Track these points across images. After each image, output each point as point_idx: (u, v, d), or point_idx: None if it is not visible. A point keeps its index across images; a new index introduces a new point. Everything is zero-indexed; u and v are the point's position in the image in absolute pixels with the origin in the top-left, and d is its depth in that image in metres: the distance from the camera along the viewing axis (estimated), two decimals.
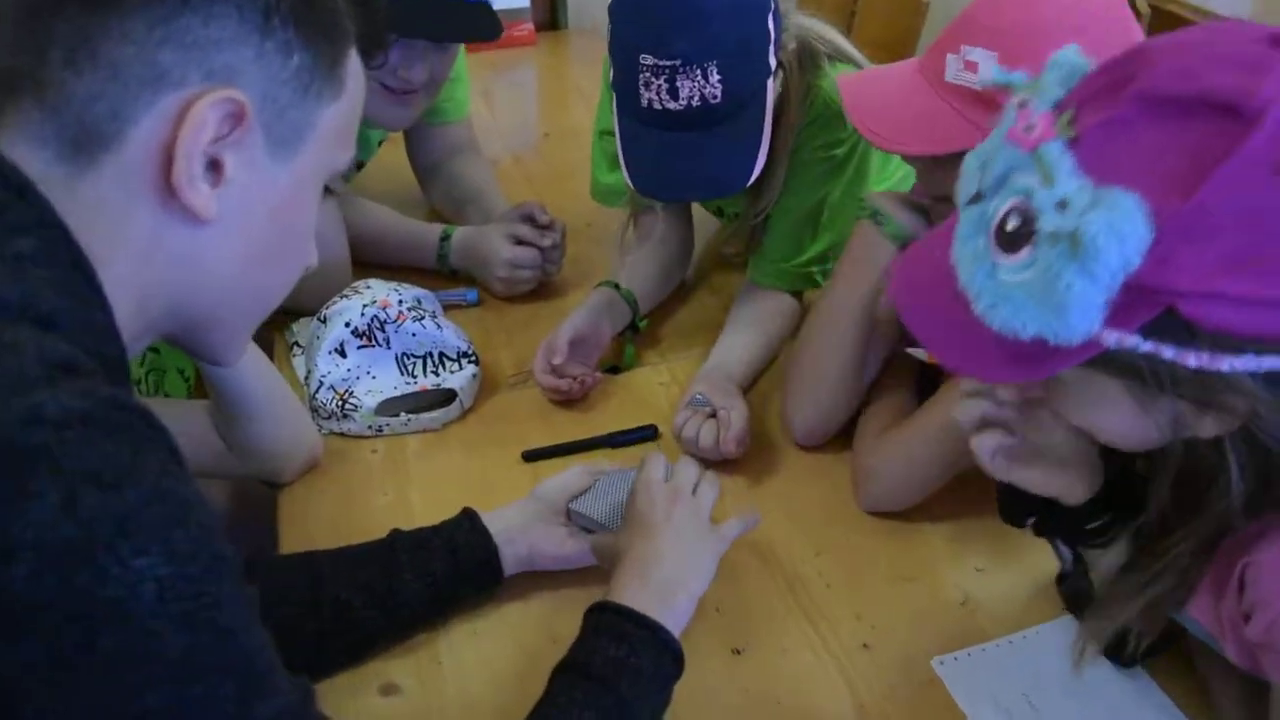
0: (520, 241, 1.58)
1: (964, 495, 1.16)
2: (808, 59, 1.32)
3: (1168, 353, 0.62)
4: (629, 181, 1.26)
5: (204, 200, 0.64)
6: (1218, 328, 0.61)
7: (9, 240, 0.58)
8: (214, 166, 0.64)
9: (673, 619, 0.91)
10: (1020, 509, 0.95)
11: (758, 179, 1.30)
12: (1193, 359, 0.62)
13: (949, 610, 1.08)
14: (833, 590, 1.10)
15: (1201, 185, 0.58)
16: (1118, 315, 0.61)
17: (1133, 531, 0.86)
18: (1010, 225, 0.64)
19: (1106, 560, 0.90)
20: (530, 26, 2.79)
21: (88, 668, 0.49)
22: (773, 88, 1.23)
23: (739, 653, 1.04)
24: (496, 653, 1.04)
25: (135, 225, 0.64)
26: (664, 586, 0.93)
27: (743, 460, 1.26)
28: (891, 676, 1.01)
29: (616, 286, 1.47)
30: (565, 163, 1.97)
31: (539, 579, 1.11)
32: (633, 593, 0.92)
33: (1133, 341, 0.62)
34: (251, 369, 1.15)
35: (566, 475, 1.14)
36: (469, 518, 1.08)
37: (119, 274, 0.63)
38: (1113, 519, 0.88)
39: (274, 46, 0.65)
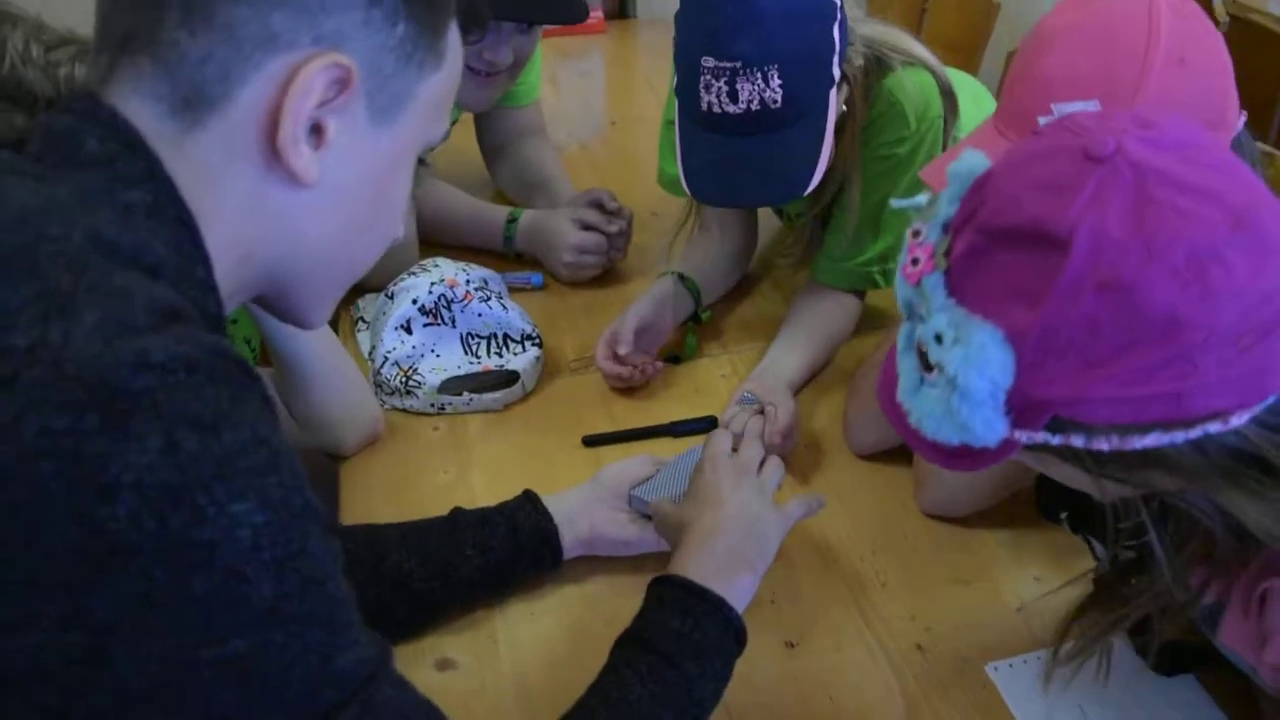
0: (587, 227, 1.59)
1: (1023, 502, 1.15)
2: (874, 67, 1.31)
3: (1078, 442, 0.65)
4: (685, 187, 1.27)
5: (306, 163, 0.65)
6: (1105, 421, 0.64)
7: (120, 191, 0.60)
8: (317, 130, 0.65)
9: (736, 594, 0.92)
10: (1055, 503, 0.96)
11: (817, 190, 1.31)
12: (1103, 444, 0.65)
13: (1004, 616, 1.07)
14: (888, 590, 1.10)
15: (1041, 308, 0.62)
16: (1020, 418, 0.65)
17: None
18: (920, 347, 0.69)
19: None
20: (600, 14, 2.80)
21: (178, 609, 0.51)
22: (836, 99, 1.23)
23: (792, 646, 1.04)
24: (552, 633, 1.06)
25: (238, 185, 0.65)
26: (728, 560, 0.94)
27: (797, 457, 1.27)
28: (944, 678, 1.01)
29: (681, 276, 1.48)
30: (631, 152, 1.98)
31: (596, 563, 1.12)
32: (697, 565, 0.93)
33: (1042, 437, 0.66)
34: (315, 338, 1.17)
35: (630, 462, 1.15)
36: (530, 499, 1.10)
37: (220, 232, 0.65)
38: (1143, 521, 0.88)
39: (380, 15, 0.65)
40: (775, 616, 1.07)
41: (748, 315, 1.58)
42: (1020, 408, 0.65)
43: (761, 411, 1.26)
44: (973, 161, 0.71)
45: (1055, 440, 0.65)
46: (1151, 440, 0.64)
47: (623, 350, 1.35)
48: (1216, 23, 2.70)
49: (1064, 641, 0.85)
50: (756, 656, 1.02)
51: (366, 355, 1.41)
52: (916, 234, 0.71)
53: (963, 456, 0.69)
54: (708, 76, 1.17)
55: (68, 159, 0.61)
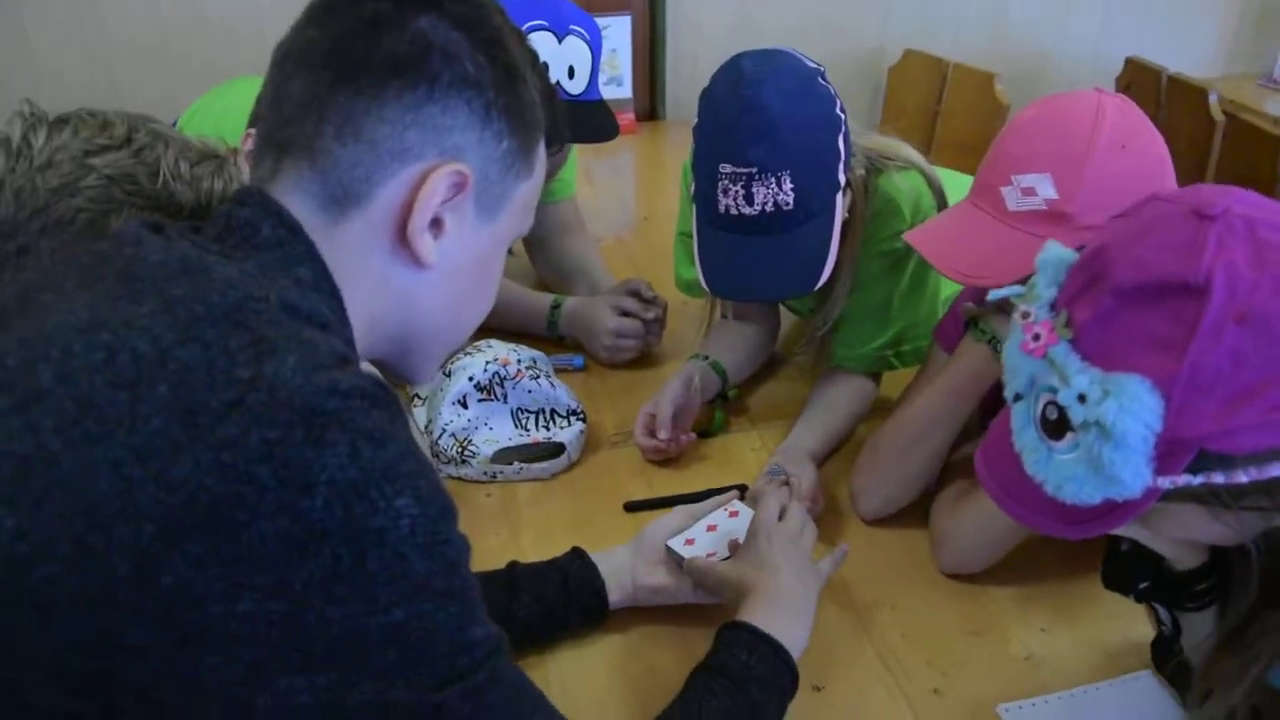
0: (625, 313, 1.72)
1: (1031, 561, 1.27)
2: (872, 172, 1.45)
3: (1219, 479, 0.73)
4: (704, 284, 1.39)
5: (427, 250, 0.80)
6: (1250, 450, 0.72)
7: (292, 267, 0.76)
8: (436, 223, 0.80)
9: (792, 644, 1.05)
10: (1133, 575, 1.01)
11: (827, 283, 1.42)
12: (1243, 476, 0.73)
13: (1014, 664, 1.17)
14: (906, 639, 1.20)
15: (1188, 349, 0.70)
16: (1163, 464, 0.72)
17: (1222, 602, 0.94)
18: (1050, 416, 0.77)
19: (1203, 625, 0.98)
20: (632, 116, 2.96)
21: (357, 582, 0.63)
22: (842, 203, 1.36)
23: (819, 690, 1.14)
24: (599, 677, 1.16)
25: (371, 266, 0.80)
26: (788, 616, 1.08)
27: (823, 523, 1.35)
28: (959, 718, 1.10)
29: (708, 359, 1.61)
30: (663, 244, 2.10)
31: (639, 615, 1.22)
32: (762, 617, 1.06)
33: (1184, 480, 0.73)
34: None
35: (667, 518, 1.26)
36: (579, 555, 1.21)
37: (355, 304, 0.79)
38: (1214, 583, 0.96)
39: (491, 134, 0.81)
40: (804, 662, 1.15)
41: (774, 395, 1.70)
42: (1165, 453, 0.71)
43: (787, 482, 1.37)
44: (1059, 252, 0.82)
45: (1197, 481, 0.72)
46: None
47: (663, 435, 1.47)
48: (1212, 121, 2.86)
49: (1203, 688, 0.92)
50: None
51: (423, 429, 1.53)
52: (1026, 316, 0.80)
53: (1099, 517, 0.76)
54: (725, 181, 1.31)
55: (247, 241, 0.76)
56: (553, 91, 0.89)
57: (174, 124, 1.86)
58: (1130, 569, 1.00)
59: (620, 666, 1.17)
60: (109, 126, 1.12)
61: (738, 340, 1.70)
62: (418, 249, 0.79)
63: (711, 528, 1.25)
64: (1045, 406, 0.77)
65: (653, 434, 1.48)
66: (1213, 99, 2.90)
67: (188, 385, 0.64)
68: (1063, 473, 0.75)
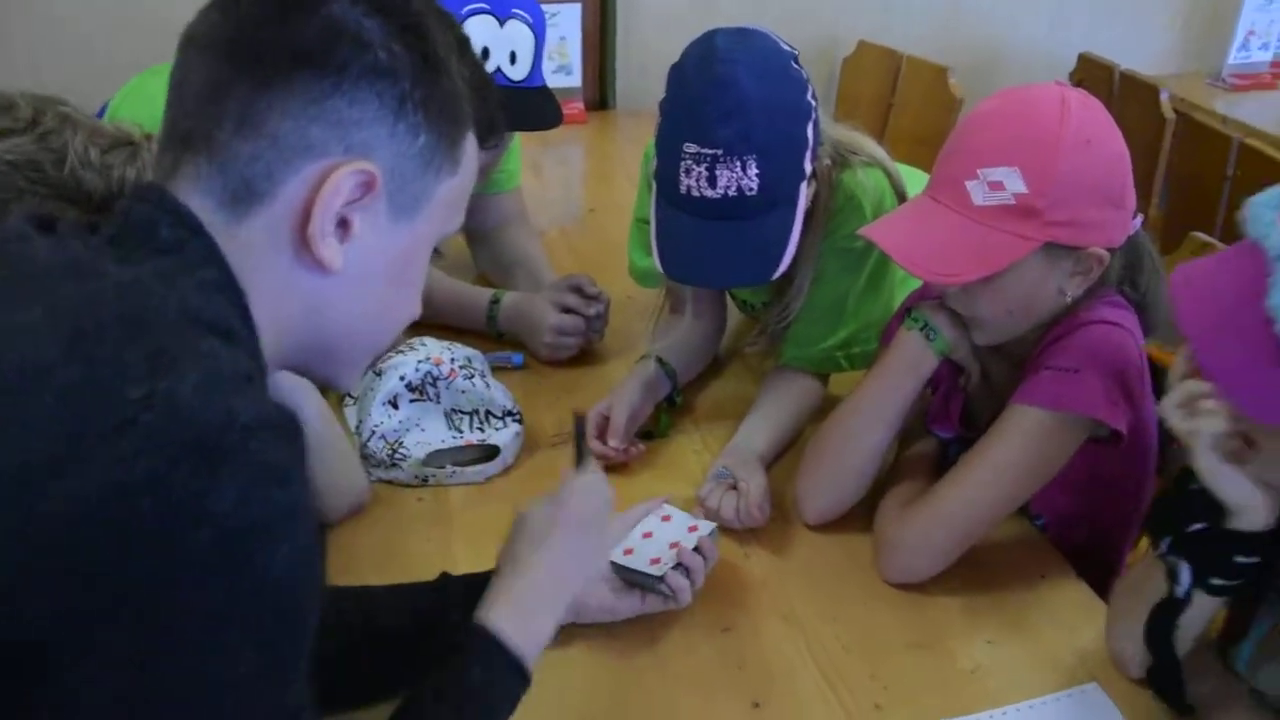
0: (566, 310, 1.67)
1: (977, 571, 1.23)
2: (837, 165, 1.41)
3: None
4: (659, 266, 1.34)
5: (332, 253, 0.74)
6: None
7: (193, 270, 0.70)
8: (343, 224, 0.75)
9: (541, 640, 0.98)
10: (1188, 513, 0.98)
11: (784, 277, 1.38)
12: None
13: (959, 677, 1.13)
14: (850, 653, 1.16)
15: None
16: None
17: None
18: None
19: (1208, 610, 0.98)
20: (581, 105, 2.91)
21: (227, 616, 0.60)
22: (806, 193, 1.31)
23: (758, 706, 1.10)
24: (532, 694, 1.10)
25: (276, 269, 0.75)
26: (546, 609, 1.00)
27: (765, 530, 1.33)
28: None
29: (660, 360, 1.56)
30: (609, 238, 2.07)
31: (575, 629, 1.17)
32: (511, 613, 0.97)
33: None
34: (311, 411, 1.23)
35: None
36: None
37: (261, 309, 0.74)
38: (1261, 564, 0.95)
39: (405, 128, 0.75)
40: (742, 678, 1.13)
41: (718, 395, 1.65)
42: None
43: (735, 486, 1.33)
44: None
45: None
46: None
47: (613, 443, 1.42)
48: (1163, 119, 2.85)
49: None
50: (723, 715, 1.08)
51: (354, 429, 1.47)
52: None
53: None
54: (689, 161, 1.26)
55: (144, 243, 0.71)
56: (487, 81, 0.84)
57: (104, 107, 1.80)
58: (1189, 507, 0.97)
59: (558, 684, 1.11)
60: (12, 108, 1.05)
61: (688, 338, 1.65)
62: (320, 253, 0.74)
63: (648, 535, 1.21)
64: None
65: (604, 439, 1.43)
66: (1164, 96, 2.90)
67: (72, 405, 0.59)
68: None
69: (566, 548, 1.04)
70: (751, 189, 1.26)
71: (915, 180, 1.50)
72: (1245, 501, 0.94)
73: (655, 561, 1.17)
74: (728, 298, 1.73)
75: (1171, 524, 1.00)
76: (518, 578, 1.01)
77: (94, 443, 0.58)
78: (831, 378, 1.57)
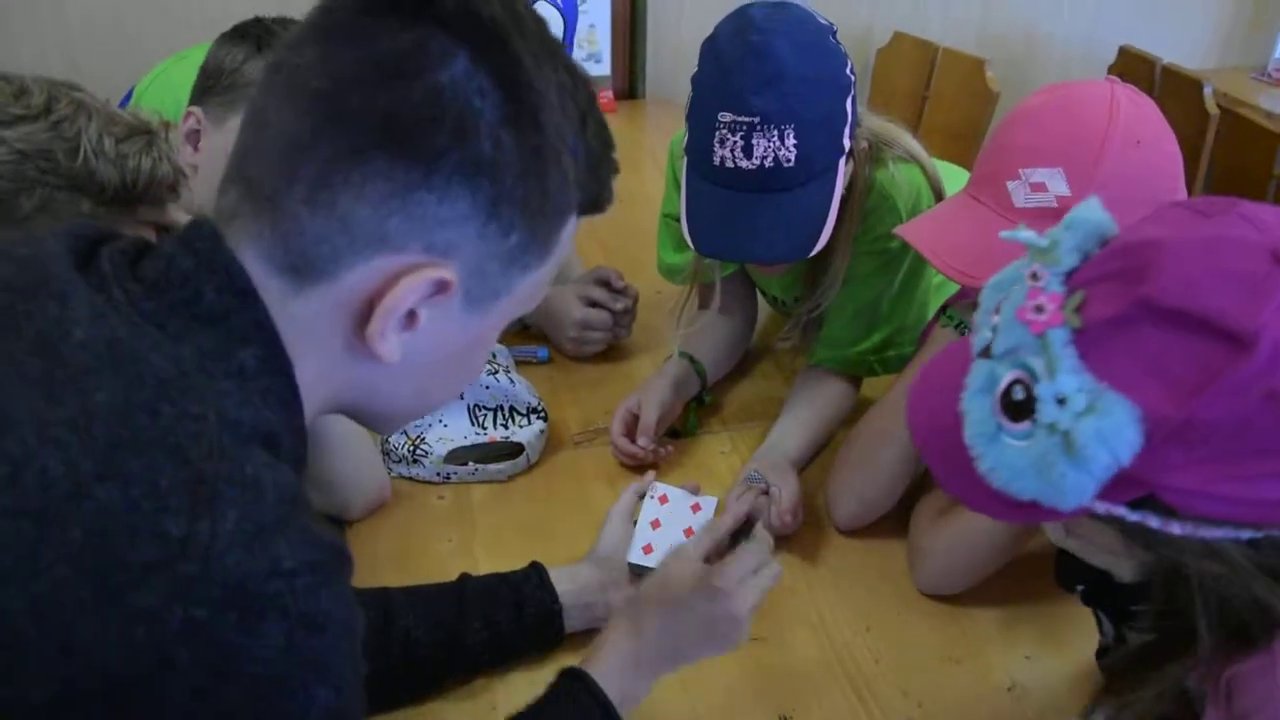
0: (593, 304, 1.63)
1: (1015, 580, 1.19)
2: (875, 159, 1.36)
3: (1153, 523, 0.66)
4: (689, 240, 1.28)
5: (390, 348, 0.68)
6: (1198, 514, 0.65)
7: (233, 351, 0.64)
8: (410, 316, 0.68)
9: (635, 698, 0.95)
10: (1073, 575, 0.96)
11: (818, 269, 1.35)
12: (1176, 528, 0.66)
13: (996, 695, 1.09)
14: (881, 665, 1.12)
15: (1196, 400, 0.61)
16: (1108, 492, 0.65)
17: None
18: (1016, 396, 0.68)
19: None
20: (610, 94, 2.88)
21: None
22: (844, 171, 1.27)
23: (786, 719, 1.06)
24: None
25: (327, 349, 0.69)
26: (648, 670, 0.96)
27: (795, 536, 1.29)
28: None
29: (690, 359, 1.52)
30: (639, 230, 2.02)
31: (593, 632, 1.13)
32: (612, 665, 0.94)
33: (1120, 512, 0.66)
34: None
35: (610, 529, 1.17)
36: (538, 572, 1.12)
37: (307, 379, 0.68)
38: (1158, 609, 0.88)
39: (496, 229, 0.67)
40: (770, 690, 1.09)
41: (747, 395, 1.61)
42: (1115, 482, 0.64)
43: (766, 491, 1.29)
44: (1100, 216, 0.71)
45: (1131, 517, 0.66)
46: (1220, 534, 0.66)
47: (643, 442, 1.38)
48: (1207, 115, 2.78)
49: None
50: None
51: None
52: (1035, 277, 0.70)
53: (1023, 510, 0.69)
54: (723, 131, 1.21)
55: (186, 305, 0.65)
56: (608, 150, 0.75)
57: (129, 93, 1.77)
58: (1072, 568, 0.93)
59: None
60: (25, 94, 1.02)
61: (718, 336, 1.61)
62: (377, 349, 0.68)
63: (656, 524, 1.19)
64: (1014, 384, 0.68)
65: (631, 437, 1.40)
66: (1207, 91, 2.83)
67: (104, 533, 0.55)
68: (1004, 458, 0.68)
69: (704, 628, 0.98)
70: (789, 160, 1.21)
71: (953, 177, 1.45)
72: (1103, 565, 0.88)
73: (649, 550, 1.15)
74: (758, 294, 1.69)
75: (1065, 582, 0.98)
76: (642, 640, 0.96)
77: (127, 582, 0.54)
78: (864, 381, 1.52)
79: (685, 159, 1.29)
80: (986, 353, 0.71)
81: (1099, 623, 1.00)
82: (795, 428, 1.43)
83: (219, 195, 0.69)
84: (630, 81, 3.19)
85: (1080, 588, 0.96)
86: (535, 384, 1.49)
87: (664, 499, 1.21)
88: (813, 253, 1.25)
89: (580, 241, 1.93)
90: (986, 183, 1.11)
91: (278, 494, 0.60)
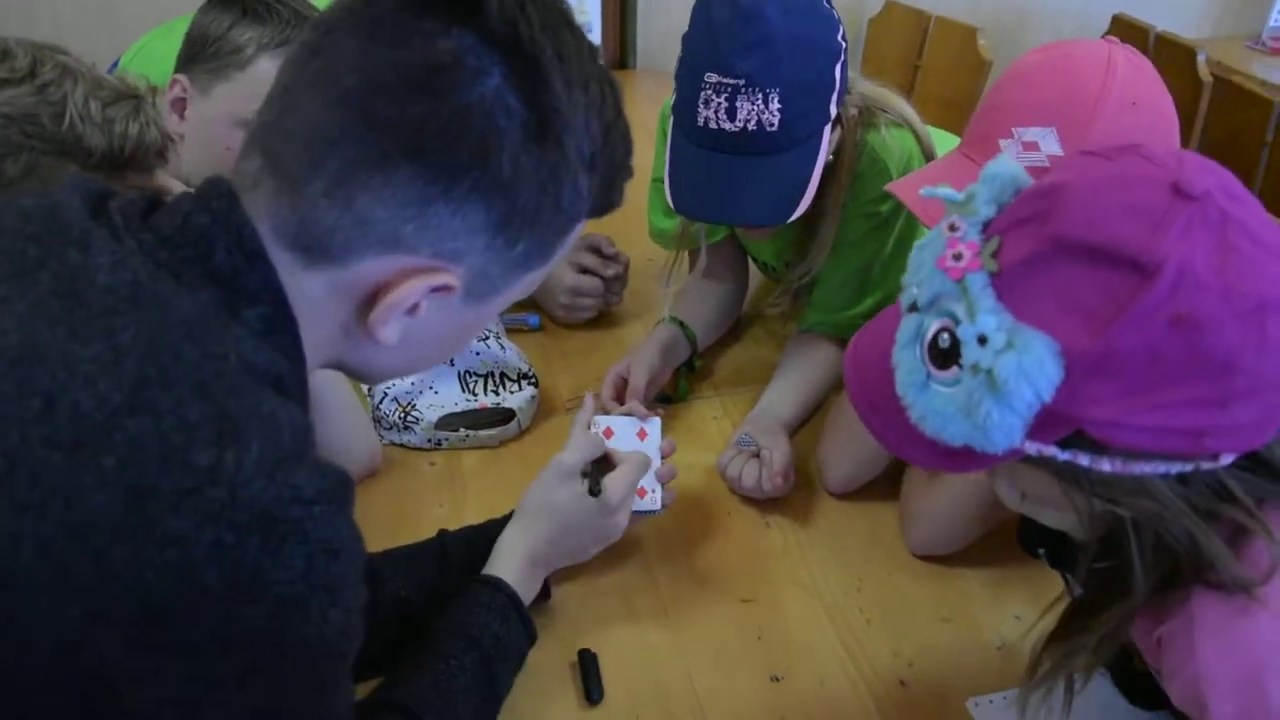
0: (584, 270, 1.63)
1: (1004, 542, 1.18)
2: (864, 121, 1.35)
3: (1083, 460, 0.68)
4: (669, 199, 1.28)
5: (390, 333, 0.72)
6: (1126, 446, 0.67)
7: (245, 307, 0.68)
8: (412, 307, 0.72)
9: (534, 592, 1.08)
10: (1034, 538, 0.97)
11: (807, 234, 1.34)
12: (1106, 465, 0.68)
13: (985, 653, 1.10)
14: (872, 626, 1.13)
15: (1107, 330, 0.63)
16: (1036, 432, 0.67)
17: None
18: (941, 343, 0.69)
19: None
20: None
21: (270, 680, 0.63)
22: (829, 137, 1.26)
23: (778, 680, 1.06)
24: (541, 664, 1.07)
25: (329, 321, 0.72)
26: (545, 566, 1.09)
27: (787, 499, 1.30)
28: (926, 712, 1.03)
29: (680, 324, 1.51)
30: (630, 198, 1.99)
31: (587, 596, 1.16)
32: (523, 570, 1.06)
33: (1051, 452, 0.68)
34: (324, 372, 1.20)
35: (582, 442, 1.14)
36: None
37: (311, 342, 0.72)
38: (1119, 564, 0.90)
39: (504, 241, 0.71)
40: (761, 650, 1.09)
41: (739, 360, 1.61)
42: (1042, 421, 0.66)
43: (757, 455, 1.29)
44: (1012, 170, 0.73)
45: (1062, 456, 0.67)
46: (1150, 468, 0.67)
47: (633, 407, 1.37)
48: (1200, 83, 2.78)
49: (1035, 674, 0.86)
50: (742, 689, 1.05)
51: (366, 391, 1.43)
52: (954, 228, 0.72)
53: (957, 457, 0.70)
54: (709, 92, 1.20)
55: (199, 260, 0.67)
56: (626, 159, 0.77)
57: (114, 65, 1.76)
58: (1033, 531, 0.94)
59: (565, 652, 1.09)
60: (9, 57, 1.00)
61: (709, 301, 1.61)
62: (377, 334, 0.72)
63: (609, 432, 1.20)
64: (940, 333, 0.70)
65: (621, 401, 1.39)
66: (1201, 59, 2.82)
67: (137, 462, 0.58)
68: (933, 405, 0.70)
69: (587, 529, 1.10)
70: (772, 124, 1.20)
71: (945, 143, 1.44)
72: (1062, 527, 0.88)
73: (641, 493, 1.16)
74: (749, 260, 1.68)
75: (1028, 545, 0.99)
76: (534, 539, 1.08)
77: (159, 507, 0.57)
78: None
79: (671, 118, 1.29)
80: (914, 308, 0.73)
81: (1066, 584, 0.99)
82: (787, 391, 1.43)
83: (240, 159, 0.71)
84: (621, 52, 3.17)
85: (1042, 551, 0.97)
86: (526, 351, 1.49)
87: (609, 432, 1.19)
88: (791, 219, 1.24)
89: None
90: (980, 141, 1.10)
91: (293, 429, 0.63)
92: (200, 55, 1.37)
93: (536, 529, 1.08)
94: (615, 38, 3.14)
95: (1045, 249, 0.66)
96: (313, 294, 0.70)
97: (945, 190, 0.75)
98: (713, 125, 1.21)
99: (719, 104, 1.19)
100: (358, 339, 0.74)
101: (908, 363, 0.72)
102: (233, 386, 0.62)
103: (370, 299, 0.71)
